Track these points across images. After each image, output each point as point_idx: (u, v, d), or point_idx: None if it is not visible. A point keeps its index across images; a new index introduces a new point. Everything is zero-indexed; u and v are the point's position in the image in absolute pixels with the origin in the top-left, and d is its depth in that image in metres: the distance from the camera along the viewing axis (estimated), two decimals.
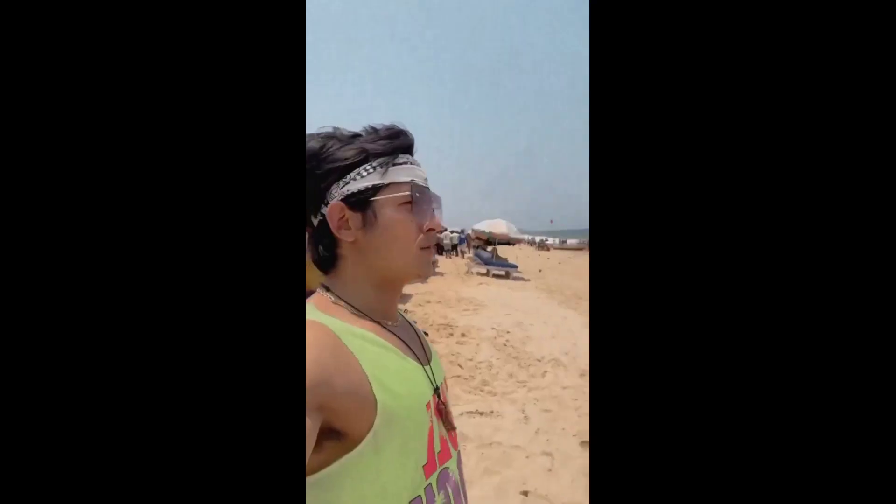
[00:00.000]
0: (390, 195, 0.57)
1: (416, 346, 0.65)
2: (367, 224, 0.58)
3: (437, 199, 0.65)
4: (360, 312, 0.59)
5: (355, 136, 0.59)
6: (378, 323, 0.60)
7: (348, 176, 0.57)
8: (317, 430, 0.46)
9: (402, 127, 0.61)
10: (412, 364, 0.59)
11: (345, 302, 0.59)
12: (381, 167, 0.57)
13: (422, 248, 0.59)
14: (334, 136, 0.59)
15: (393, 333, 0.60)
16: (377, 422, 0.50)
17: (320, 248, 0.60)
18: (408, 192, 0.58)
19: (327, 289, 0.60)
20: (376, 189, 0.57)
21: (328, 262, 0.61)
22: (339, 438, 0.49)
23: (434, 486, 0.56)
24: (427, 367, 0.63)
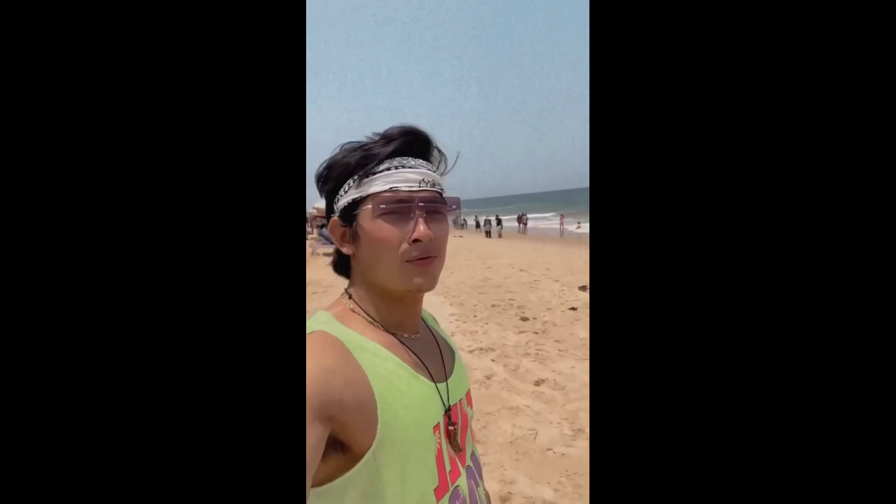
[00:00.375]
0: (365, 208, 0.56)
1: (435, 360, 0.63)
2: (354, 239, 0.58)
3: (455, 200, 0.61)
4: (376, 322, 0.58)
5: (357, 147, 0.58)
6: (394, 335, 0.59)
7: (338, 193, 0.59)
8: (325, 441, 0.46)
9: (397, 128, 0.58)
10: (423, 383, 0.57)
11: (362, 310, 0.59)
12: (358, 179, 0.57)
13: (406, 261, 0.55)
14: (339, 151, 0.59)
15: (408, 348, 0.59)
16: (375, 443, 0.50)
17: (336, 256, 0.63)
18: (383, 204, 0.55)
19: (350, 296, 0.61)
20: (356, 203, 0.57)
21: (345, 271, 0.63)
22: (343, 451, 0.50)
23: None
24: (442, 385, 0.61)
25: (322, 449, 0.45)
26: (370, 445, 0.49)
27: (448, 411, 0.60)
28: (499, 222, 23.07)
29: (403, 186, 0.55)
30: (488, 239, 20.50)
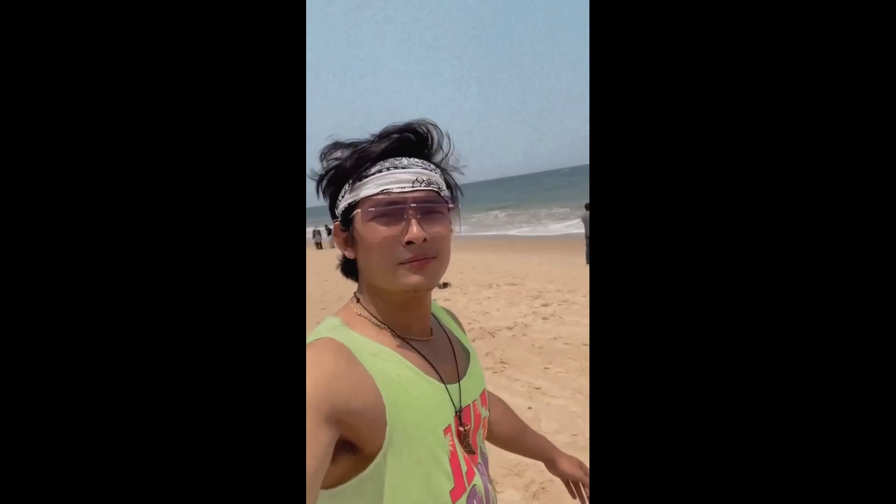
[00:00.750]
0: (359, 211, 0.56)
1: (446, 362, 0.62)
2: (352, 243, 0.58)
3: (450, 200, 0.59)
4: (383, 325, 0.58)
5: (354, 150, 0.57)
6: (402, 338, 0.58)
7: (338, 197, 0.59)
8: (333, 443, 0.46)
9: (393, 127, 0.57)
10: (433, 385, 0.57)
11: (369, 313, 0.59)
12: (352, 183, 0.57)
13: (400, 264, 0.54)
14: (336, 153, 0.58)
15: (417, 350, 0.58)
16: (385, 445, 0.50)
17: (343, 259, 0.61)
18: (371, 208, 0.55)
19: (358, 300, 0.61)
20: (352, 207, 0.57)
21: (352, 274, 0.62)
22: (355, 453, 0.50)
23: None
24: (453, 387, 0.60)
25: (331, 451, 0.47)
26: (381, 447, 0.50)
27: (460, 413, 0.60)
28: (329, 232, 22.38)
29: (395, 188, 0.55)
30: (320, 251, 19.55)
